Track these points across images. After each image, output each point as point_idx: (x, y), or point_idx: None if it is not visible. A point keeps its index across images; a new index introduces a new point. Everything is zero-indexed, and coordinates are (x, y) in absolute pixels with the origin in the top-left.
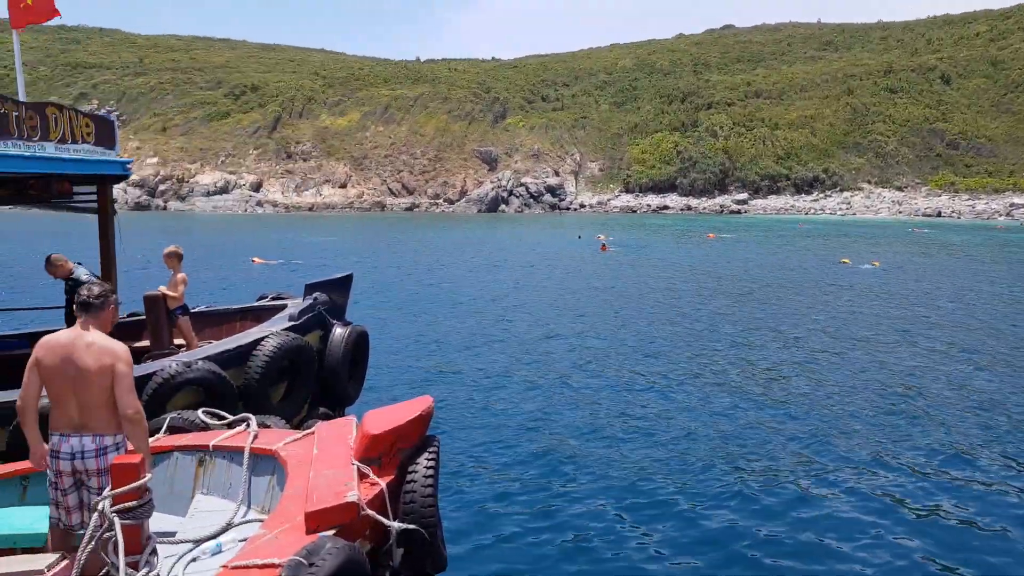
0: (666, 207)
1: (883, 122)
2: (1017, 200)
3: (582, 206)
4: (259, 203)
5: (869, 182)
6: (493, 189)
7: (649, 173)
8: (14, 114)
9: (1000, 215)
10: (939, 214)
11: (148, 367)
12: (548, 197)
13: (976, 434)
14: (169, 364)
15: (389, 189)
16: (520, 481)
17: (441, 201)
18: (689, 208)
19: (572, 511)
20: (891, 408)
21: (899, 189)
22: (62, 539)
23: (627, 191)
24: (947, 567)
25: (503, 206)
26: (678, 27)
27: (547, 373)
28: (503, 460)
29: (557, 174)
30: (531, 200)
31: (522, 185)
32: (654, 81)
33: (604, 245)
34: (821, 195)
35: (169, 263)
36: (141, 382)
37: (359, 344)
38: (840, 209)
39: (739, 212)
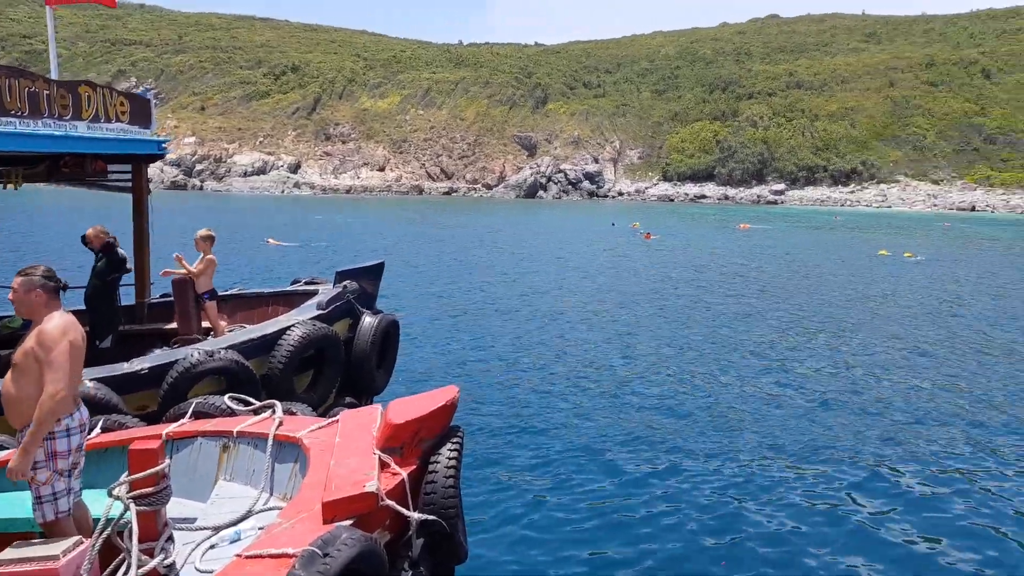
0: (704, 196)
1: (922, 115)
2: None
3: (620, 194)
4: (296, 184)
5: (906, 175)
6: (531, 175)
7: (688, 162)
8: (45, 92)
9: None
10: (973, 208)
11: (169, 355)
12: (586, 184)
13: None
14: (191, 353)
15: (427, 173)
16: (546, 475)
17: (479, 186)
18: (727, 198)
19: (597, 507)
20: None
21: (935, 182)
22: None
23: (665, 179)
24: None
25: (541, 192)
26: (722, 16)
27: (583, 366)
28: (530, 453)
29: (596, 161)
30: (569, 187)
31: (560, 171)
32: (696, 70)
33: (648, 234)
34: (858, 187)
35: (200, 246)
36: (162, 370)
37: (388, 333)
38: (876, 201)
39: (775, 203)
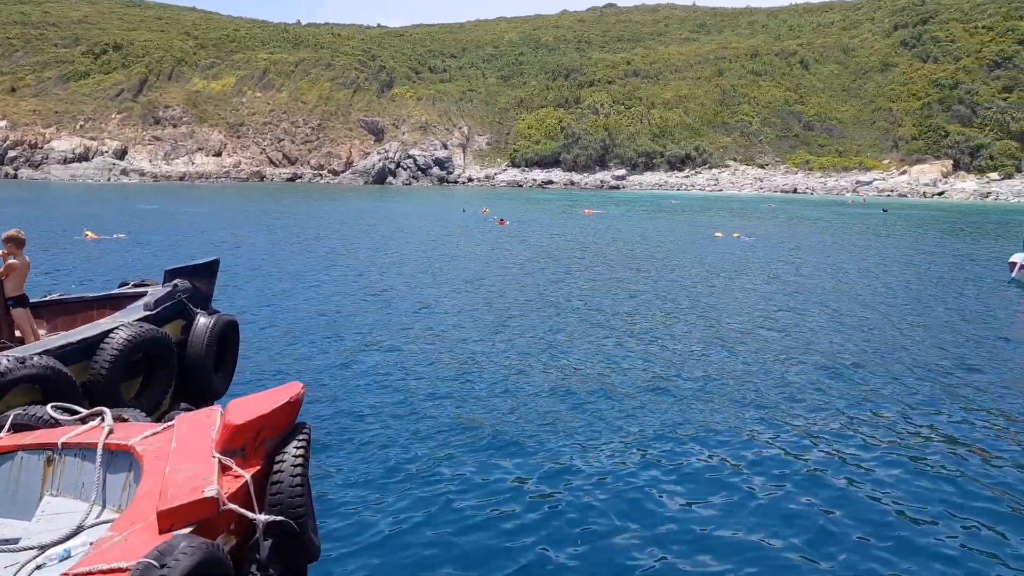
0: (551, 182)
1: (748, 103)
2: (862, 178)
3: (470, 180)
4: (124, 171)
5: (735, 160)
6: (380, 160)
7: (535, 148)
8: None
9: (847, 191)
10: (795, 190)
11: None
12: (436, 170)
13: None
14: None
15: (269, 158)
16: (400, 468)
17: (325, 172)
18: (572, 183)
19: (450, 494)
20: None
21: (761, 167)
22: None
23: (513, 165)
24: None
25: (390, 178)
26: (563, 3)
27: (436, 355)
28: (382, 445)
29: (445, 147)
30: (419, 173)
31: (410, 157)
32: (539, 56)
33: (502, 220)
34: (692, 172)
35: (8, 248)
36: None
37: (226, 334)
38: (709, 185)
39: (618, 188)
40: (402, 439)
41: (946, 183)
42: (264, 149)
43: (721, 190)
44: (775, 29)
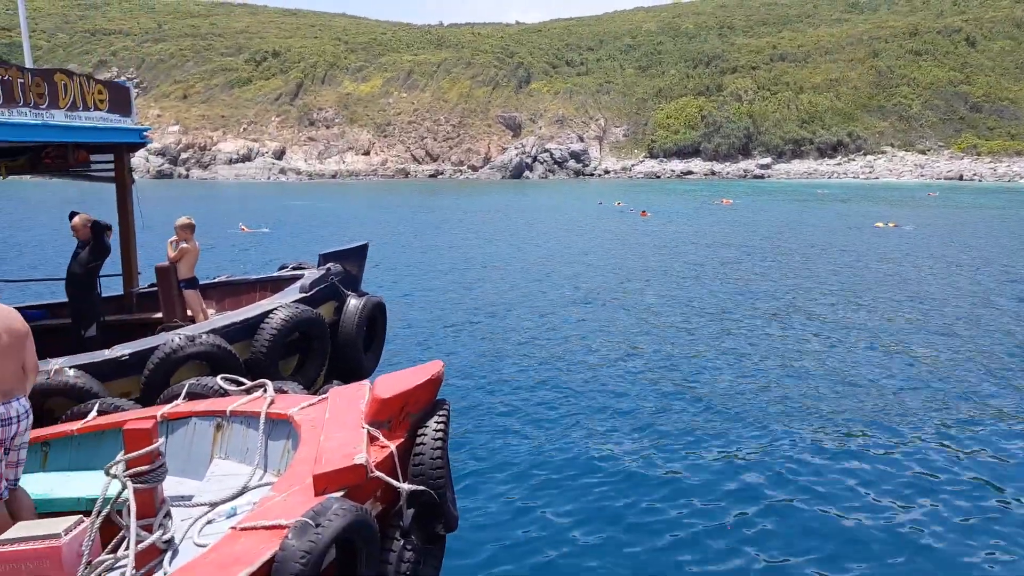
0: (690, 172)
1: (907, 85)
2: None
3: (606, 172)
4: (282, 171)
5: (892, 145)
6: (517, 155)
7: (673, 138)
8: (19, 81)
9: (1021, 178)
10: (961, 177)
11: (150, 341)
12: (572, 163)
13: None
14: (172, 338)
15: (413, 156)
16: (531, 447)
17: (465, 167)
18: (713, 173)
19: (583, 477)
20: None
21: (922, 152)
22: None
23: (651, 156)
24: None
25: (527, 172)
26: None
27: (575, 343)
28: (518, 425)
29: (581, 140)
30: (555, 166)
31: (546, 151)
32: (679, 45)
33: (644, 211)
34: (844, 159)
35: (181, 235)
36: (143, 356)
37: (375, 315)
38: (863, 173)
39: (762, 177)
40: (538, 423)
41: None
42: (408, 147)
43: (877, 178)
44: (937, 5)
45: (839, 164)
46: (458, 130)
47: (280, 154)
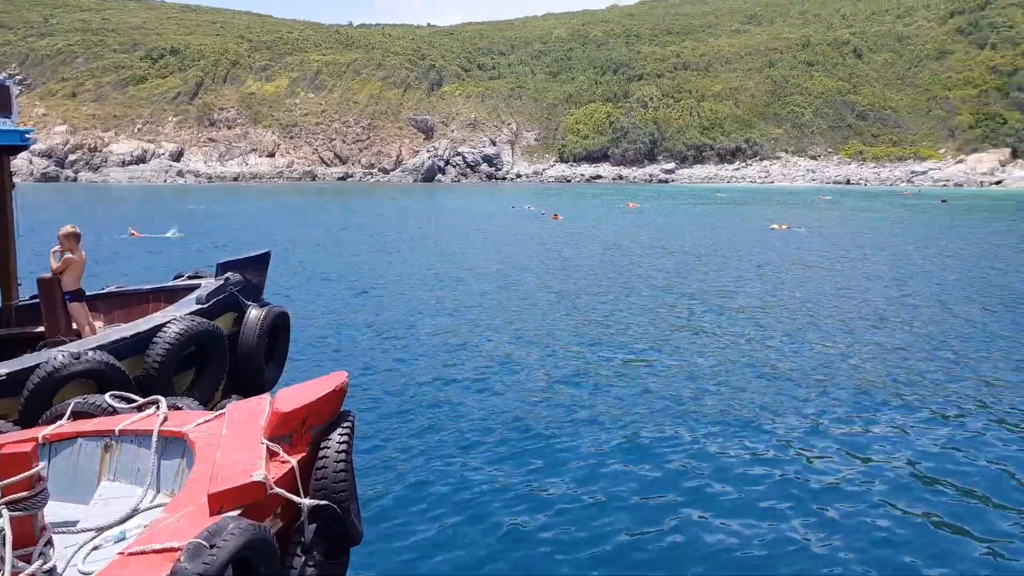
0: (599, 176)
1: (800, 94)
2: (917, 168)
3: (518, 176)
4: (180, 173)
5: (786, 151)
6: (429, 158)
7: (583, 143)
8: None
9: (902, 182)
10: (848, 181)
11: (31, 358)
12: (485, 167)
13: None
14: (55, 355)
15: (321, 158)
16: (442, 454)
17: (376, 170)
18: (621, 178)
19: (493, 486)
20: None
21: (813, 158)
22: None
23: (562, 161)
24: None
25: (439, 176)
26: None
27: (482, 346)
28: (428, 435)
29: (494, 143)
30: (468, 170)
31: (459, 155)
32: (588, 52)
33: (556, 215)
34: (742, 164)
35: (66, 244)
36: (23, 375)
37: (277, 326)
38: (760, 177)
39: (667, 181)
40: (445, 429)
41: (1004, 172)
42: (316, 149)
43: (772, 182)
44: (827, 18)
45: (737, 169)
46: (368, 132)
47: (178, 155)
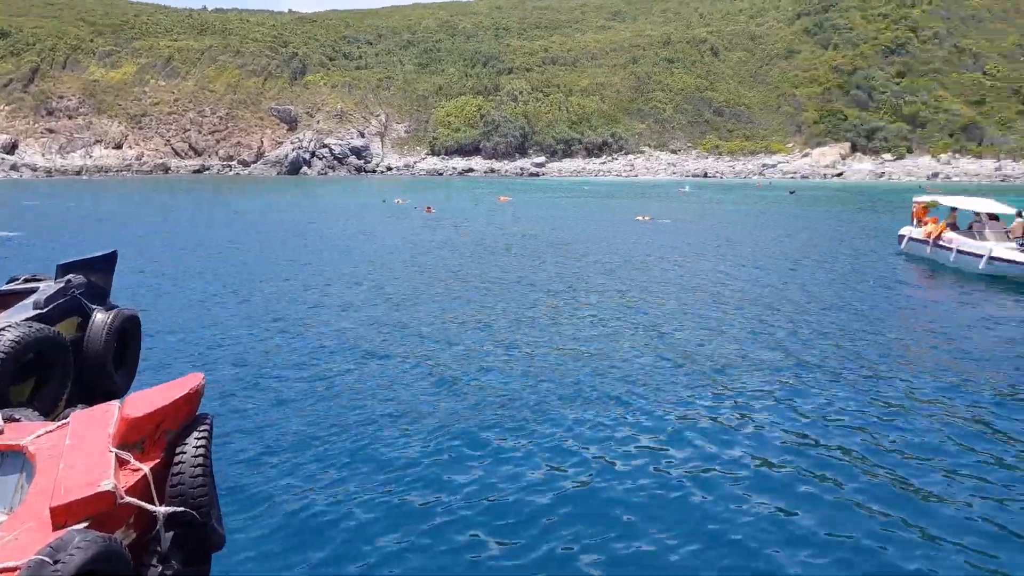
0: (471, 170)
1: (662, 90)
2: (768, 161)
3: (389, 169)
4: (13, 167)
5: (649, 146)
6: (294, 150)
7: (455, 136)
8: None
9: (754, 174)
10: (706, 174)
11: None
12: (353, 159)
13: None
14: None
15: (174, 150)
16: (306, 454)
17: (235, 163)
18: (493, 171)
19: (365, 485)
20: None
21: (674, 152)
22: None
23: (433, 154)
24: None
25: (305, 168)
26: None
27: (339, 342)
28: (289, 433)
29: (362, 135)
30: (335, 162)
31: (325, 146)
32: (457, 44)
33: (429, 208)
34: (609, 158)
35: None
36: None
37: (127, 330)
38: (625, 171)
39: (538, 174)
40: (311, 429)
41: (844, 164)
42: (169, 140)
43: (637, 175)
44: (687, 17)
45: (604, 163)
46: (226, 122)
47: (11, 148)
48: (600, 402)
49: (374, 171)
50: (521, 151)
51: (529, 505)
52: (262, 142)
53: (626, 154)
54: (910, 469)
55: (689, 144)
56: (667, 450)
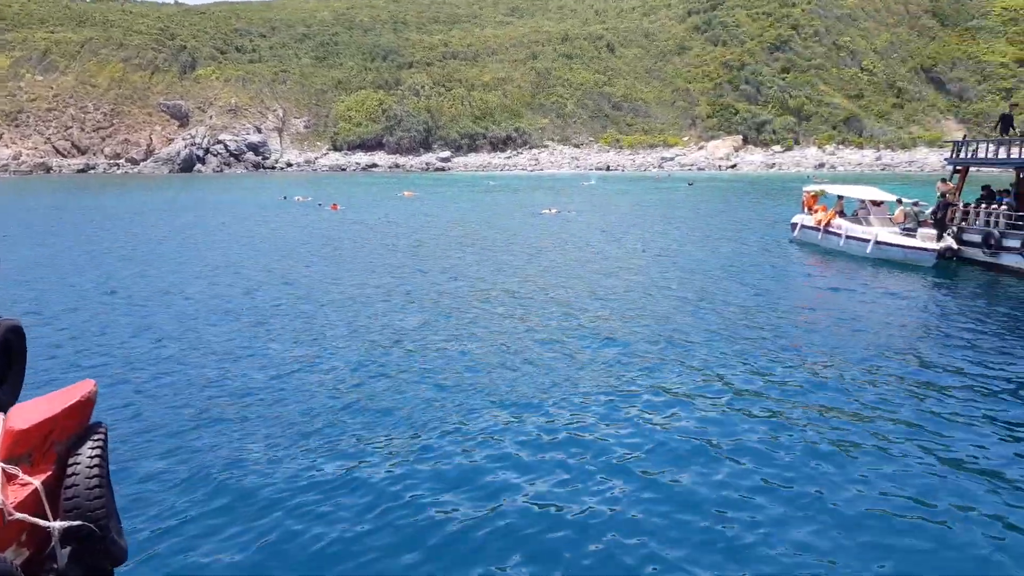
0: (375, 165)
1: (562, 85)
2: (666, 154)
3: (289, 165)
4: None
5: (553, 140)
6: (186, 147)
7: (356, 131)
8: None
9: (654, 167)
10: (608, 168)
11: None
12: (251, 156)
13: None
14: None
15: (55, 148)
16: (206, 460)
17: (123, 161)
18: (397, 166)
19: (266, 489)
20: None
21: (576, 146)
22: None
23: (335, 149)
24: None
25: (199, 166)
26: None
27: (237, 345)
28: (190, 440)
29: (259, 131)
30: (231, 159)
31: (220, 143)
32: (355, 37)
33: (335, 205)
34: (514, 152)
35: None
36: None
37: (10, 342)
38: (530, 165)
39: (443, 169)
40: (213, 434)
41: (737, 156)
42: (49, 138)
43: (542, 169)
44: (583, 13)
45: (509, 157)
46: (111, 119)
47: None
48: (514, 394)
49: (273, 167)
50: (425, 146)
51: (427, 512)
52: (151, 139)
53: (530, 148)
54: (813, 427)
55: (591, 138)
56: (586, 436)
